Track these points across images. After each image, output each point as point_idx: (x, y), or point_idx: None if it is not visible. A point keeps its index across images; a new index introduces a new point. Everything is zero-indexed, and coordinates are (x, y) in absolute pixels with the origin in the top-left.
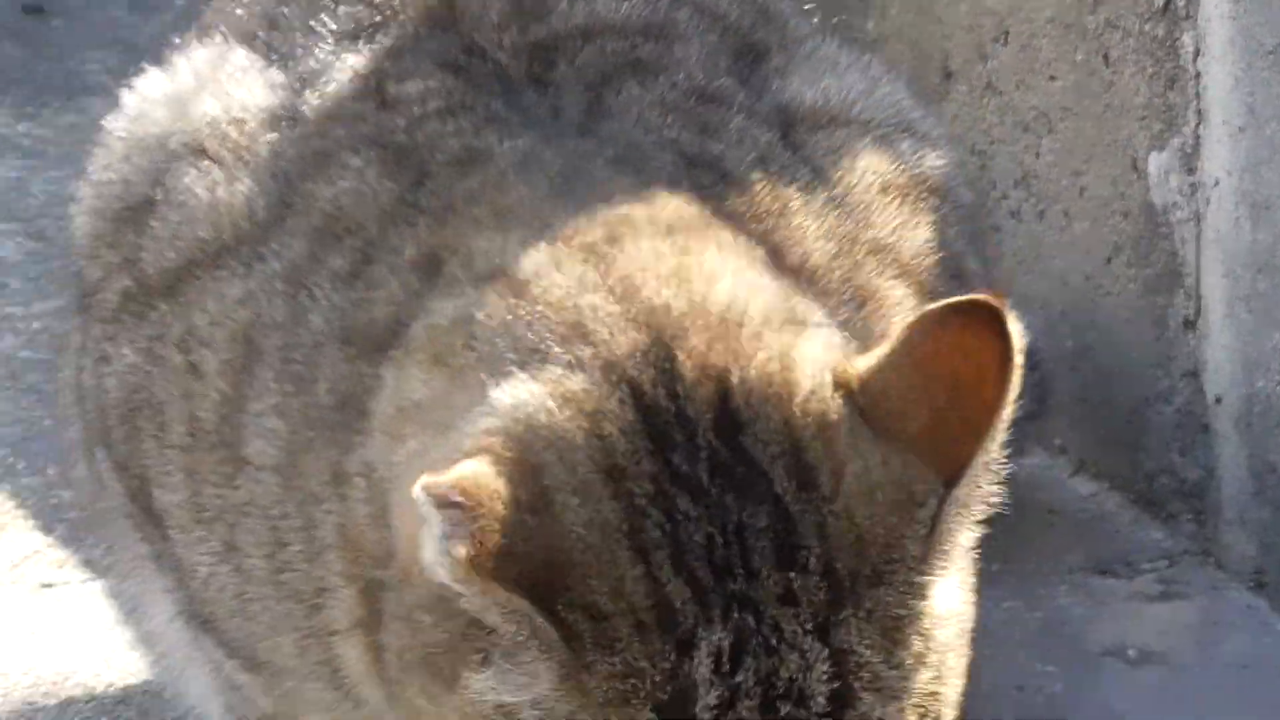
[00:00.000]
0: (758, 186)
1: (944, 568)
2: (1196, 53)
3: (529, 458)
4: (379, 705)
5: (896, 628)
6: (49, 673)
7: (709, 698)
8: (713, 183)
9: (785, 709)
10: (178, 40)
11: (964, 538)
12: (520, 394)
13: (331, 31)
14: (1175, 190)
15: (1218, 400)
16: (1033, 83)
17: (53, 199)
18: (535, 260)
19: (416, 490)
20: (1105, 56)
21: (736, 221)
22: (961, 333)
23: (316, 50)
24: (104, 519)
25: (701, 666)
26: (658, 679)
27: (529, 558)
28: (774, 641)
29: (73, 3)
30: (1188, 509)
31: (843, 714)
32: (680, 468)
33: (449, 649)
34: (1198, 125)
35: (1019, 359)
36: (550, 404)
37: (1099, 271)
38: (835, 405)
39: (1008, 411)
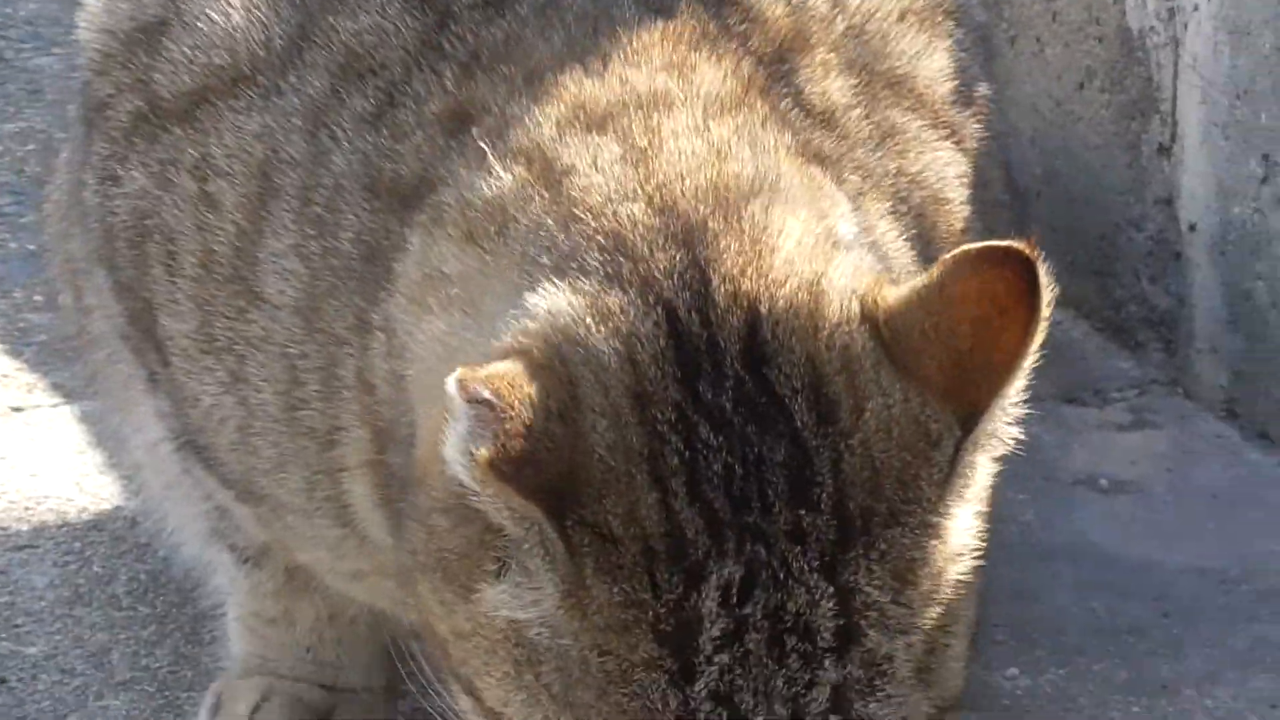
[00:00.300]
0: (782, 22)
1: (960, 507)
2: None
3: (564, 369)
4: (382, 542)
5: (909, 568)
6: (20, 497)
7: (714, 630)
8: (739, 21)
9: (791, 642)
10: None
11: (981, 475)
12: (559, 303)
13: None
14: (1152, 14)
15: (1191, 228)
16: None
17: (7, 21)
18: (572, 149)
19: (450, 383)
20: None
21: (764, 67)
22: (993, 279)
23: None
24: (88, 345)
25: (709, 599)
26: (662, 610)
27: (548, 467)
28: (782, 575)
29: None
30: (1157, 338)
31: (849, 649)
32: (705, 396)
33: (464, 555)
34: None
35: (1046, 311)
36: (589, 319)
37: (1071, 97)
38: (860, 338)
39: (1029, 360)
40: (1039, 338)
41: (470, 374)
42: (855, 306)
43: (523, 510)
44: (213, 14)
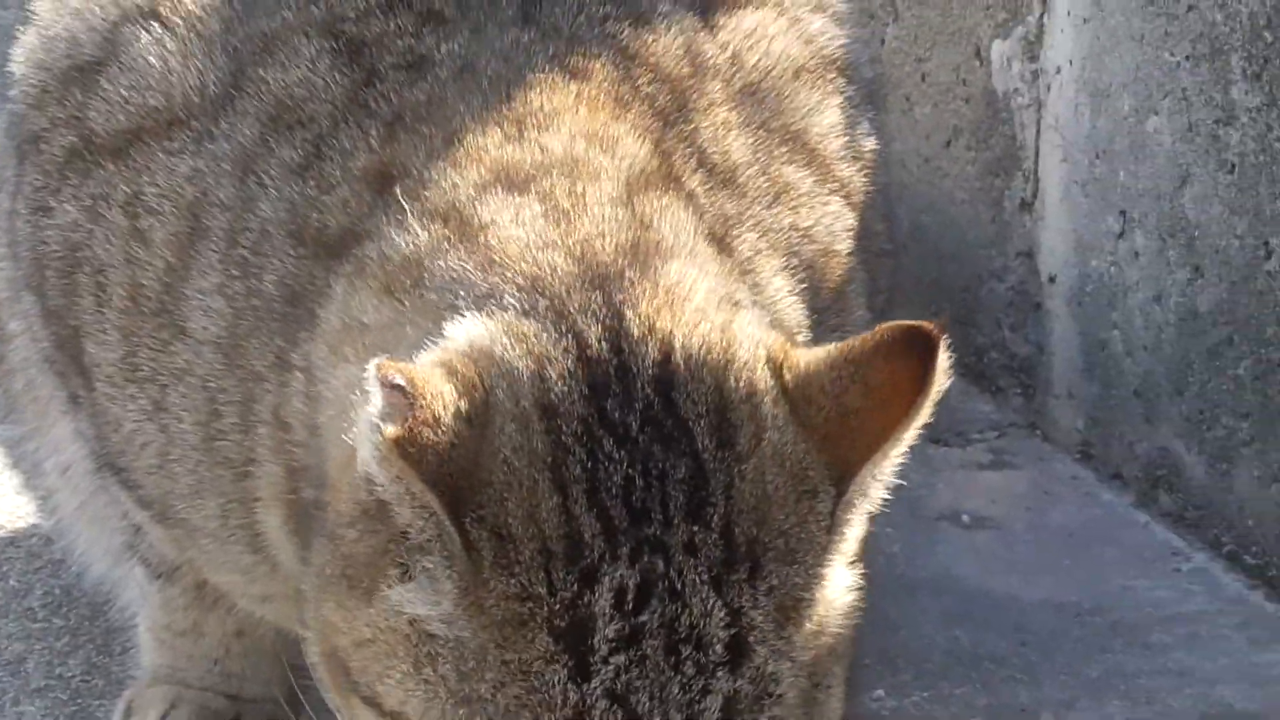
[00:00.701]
0: (687, 83)
1: (839, 559)
2: None
3: (478, 379)
4: (293, 570)
5: (794, 606)
6: None
7: (608, 631)
8: (651, 89)
9: (686, 651)
10: None
11: (857, 531)
12: (476, 328)
13: None
14: (1017, 77)
15: (1051, 279)
16: None
17: None
18: (492, 207)
19: (369, 367)
20: None
21: (669, 126)
22: (892, 350)
23: None
24: (5, 374)
25: (602, 600)
26: (556, 607)
27: (452, 462)
28: (679, 587)
29: None
30: (1017, 383)
31: (739, 664)
32: (612, 415)
33: (369, 563)
34: (1042, 15)
35: (935, 391)
36: (504, 339)
37: (938, 154)
38: (764, 378)
39: (909, 434)
40: (923, 415)
41: (389, 363)
42: (762, 351)
43: (421, 498)
44: (150, 58)
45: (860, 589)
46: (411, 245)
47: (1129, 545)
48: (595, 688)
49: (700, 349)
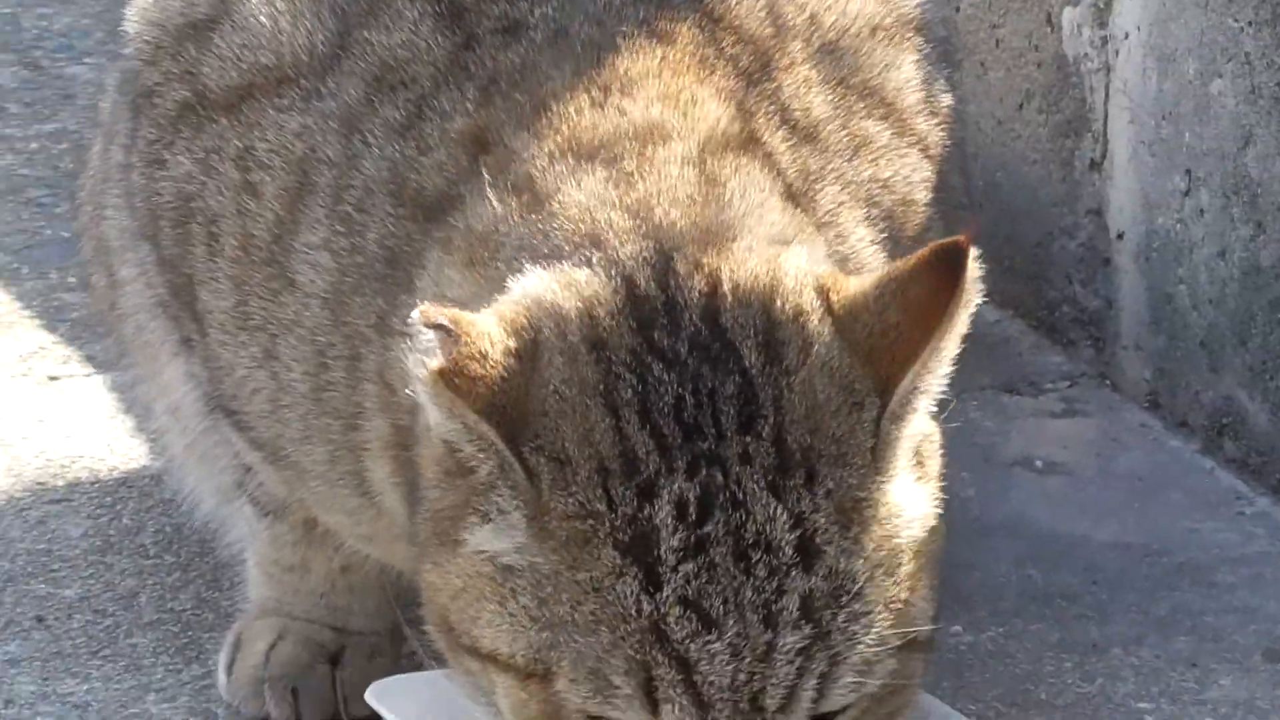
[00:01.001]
0: (769, 43)
1: (897, 470)
2: None
3: (528, 323)
4: (398, 515)
5: (855, 508)
6: (57, 456)
7: (672, 541)
8: (735, 50)
9: (756, 555)
10: None
11: (907, 442)
12: (532, 282)
13: None
14: (1086, 42)
15: (1119, 236)
16: None
17: (43, 33)
18: (559, 176)
19: (414, 313)
20: None
21: (753, 86)
22: (928, 267)
23: None
24: (117, 319)
25: (663, 512)
26: (618, 522)
27: (503, 394)
28: (741, 496)
29: None
30: (1087, 336)
31: (811, 564)
32: (660, 342)
33: (453, 517)
34: None
35: (967, 299)
36: (555, 286)
37: (1011, 117)
38: (810, 300)
39: (946, 343)
40: (960, 325)
41: (434, 306)
42: (809, 278)
43: (477, 429)
44: (262, 17)
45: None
46: (490, 218)
47: (1194, 490)
48: (668, 596)
49: (747, 279)
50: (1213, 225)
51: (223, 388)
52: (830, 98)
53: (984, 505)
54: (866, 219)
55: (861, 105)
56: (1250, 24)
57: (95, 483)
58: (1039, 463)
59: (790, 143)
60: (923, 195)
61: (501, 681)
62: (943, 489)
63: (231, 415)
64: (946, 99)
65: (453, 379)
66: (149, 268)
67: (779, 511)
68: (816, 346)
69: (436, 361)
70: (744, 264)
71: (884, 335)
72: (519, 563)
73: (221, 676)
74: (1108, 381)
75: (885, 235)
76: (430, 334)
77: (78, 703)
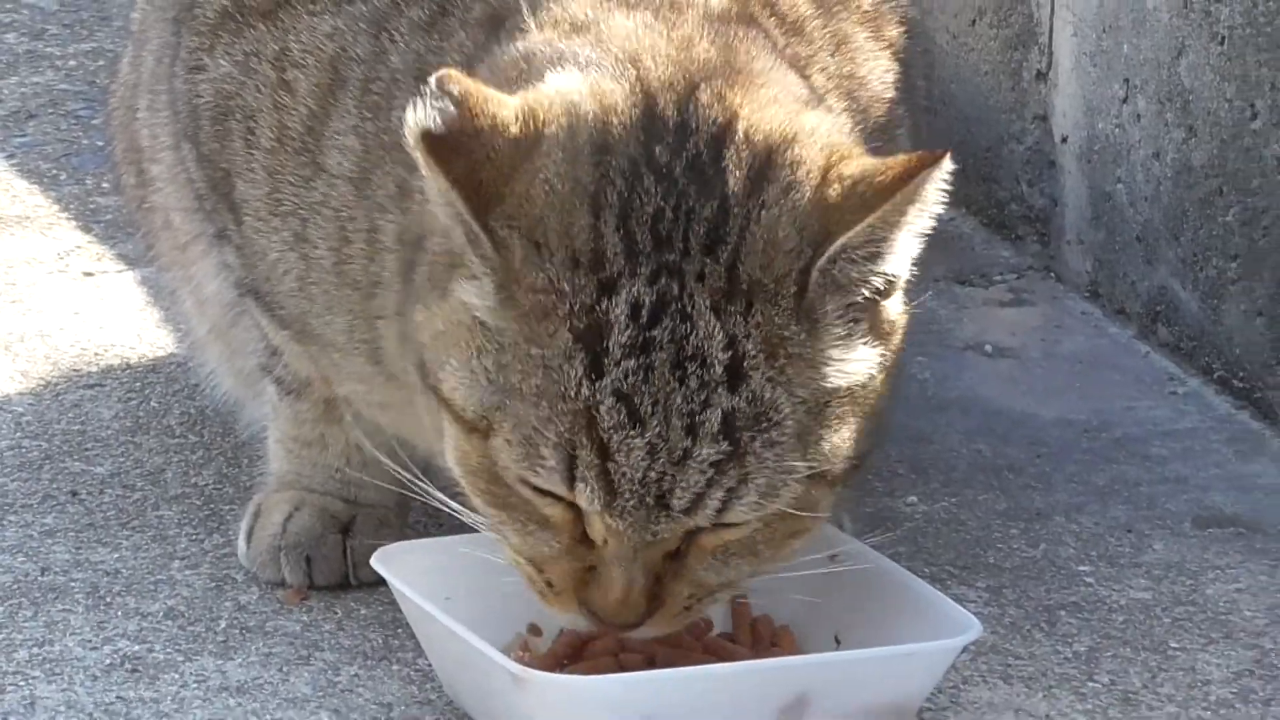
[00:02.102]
0: None
1: (822, 318)
2: None
3: (544, 114)
4: (406, 379)
5: (780, 344)
6: (90, 345)
7: (621, 337)
8: None
9: (692, 368)
10: None
11: (838, 299)
12: (566, 80)
13: None
14: None
15: (1063, 140)
16: None
17: None
18: (606, 13)
19: (434, 76)
20: None
21: None
22: (909, 165)
23: None
24: (146, 214)
25: (619, 309)
26: (576, 307)
27: (483, 170)
28: (689, 310)
29: None
30: (1033, 231)
31: (738, 385)
32: (660, 158)
33: (447, 265)
34: None
35: (922, 197)
36: (584, 89)
37: (965, 31)
38: (813, 157)
39: (891, 227)
40: (908, 215)
41: (456, 74)
42: (822, 140)
43: (448, 197)
44: None
45: (896, 408)
46: (522, 46)
47: (1131, 371)
48: (606, 385)
49: (766, 123)
50: (1148, 129)
51: (256, 272)
52: (815, 5)
53: (938, 385)
54: (847, 109)
55: (840, 8)
56: None
57: (126, 369)
58: (989, 347)
59: (782, 32)
60: (892, 93)
61: (450, 431)
62: (902, 370)
63: (261, 298)
64: (913, 11)
65: (438, 144)
66: (189, 164)
67: (717, 331)
68: (794, 194)
69: (427, 125)
70: (766, 109)
71: (844, 202)
72: (490, 320)
73: (241, 545)
74: (1052, 273)
75: (860, 125)
76: (442, 98)
77: (108, 570)
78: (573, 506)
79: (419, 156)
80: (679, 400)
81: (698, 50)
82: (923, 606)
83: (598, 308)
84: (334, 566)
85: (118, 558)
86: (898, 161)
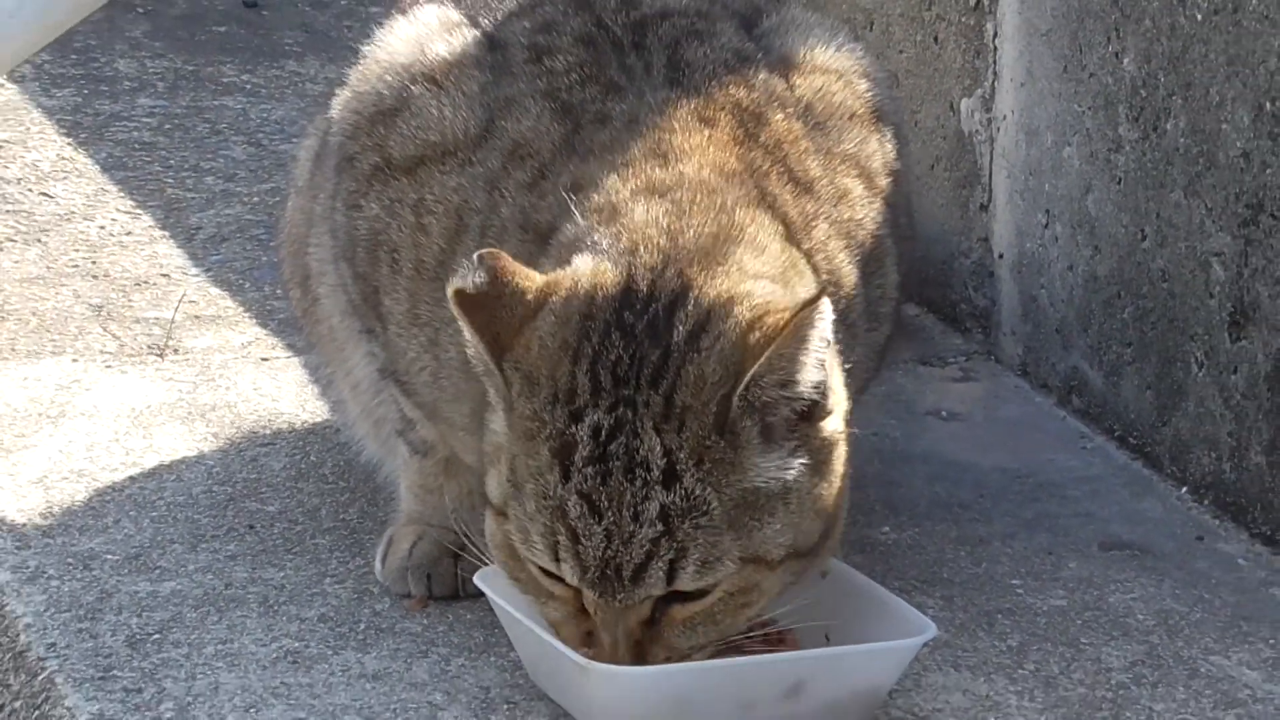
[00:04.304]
0: (779, 124)
1: (741, 434)
2: (995, 34)
3: (554, 290)
4: None
5: (705, 453)
6: (266, 414)
7: (584, 451)
8: (756, 128)
9: (639, 472)
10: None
11: (758, 417)
12: (582, 262)
13: (504, 7)
14: (977, 122)
15: (1000, 256)
16: (888, 55)
17: (265, 121)
18: (636, 203)
19: (481, 251)
20: (935, 38)
21: (769, 154)
22: (796, 310)
23: (495, 15)
24: (312, 321)
25: (583, 431)
26: (553, 431)
27: (499, 322)
28: (638, 430)
29: (276, 0)
30: (978, 325)
31: (672, 484)
32: (626, 320)
33: (483, 404)
34: (994, 81)
35: (804, 333)
36: (586, 270)
37: (926, 175)
38: (744, 314)
39: (785, 359)
40: (796, 348)
41: (496, 251)
42: (752, 301)
43: (473, 340)
44: (431, 109)
45: (871, 460)
46: (575, 229)
47: (1052, 432)
48: (572, 487)
49: (711, 290)
50: (1064, 248)
51: (397, 366)
52: (821, 161)
53: (906, 442)
54: (846, 247)
55: (843, 167)
56: (1089, 109)
57: (292, 431)
58: (944, 413)
59: (795, 194)
60: (884, 231)
61: (487, 516)
62: (875, 434)
63: (402, 384)
64: (898, 164)
65: (467, 301)
66: (346, 279)
67: (657, 445)
68: (722, 340)
69: (460, 283)
70: (716, 281)
71: (755, 344)
72: (504, 442)
73: (377, 565)
74: (992, 356)
75: (858, 257)
76: (479, 269)
77: (276, 585)
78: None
79: (454, 308)
80: (628, 497)
81: (684, 239)
82: (892, 612)
83: (568, 431)
84: (447, 582)
85: (283, 575)
86: (793, 307)
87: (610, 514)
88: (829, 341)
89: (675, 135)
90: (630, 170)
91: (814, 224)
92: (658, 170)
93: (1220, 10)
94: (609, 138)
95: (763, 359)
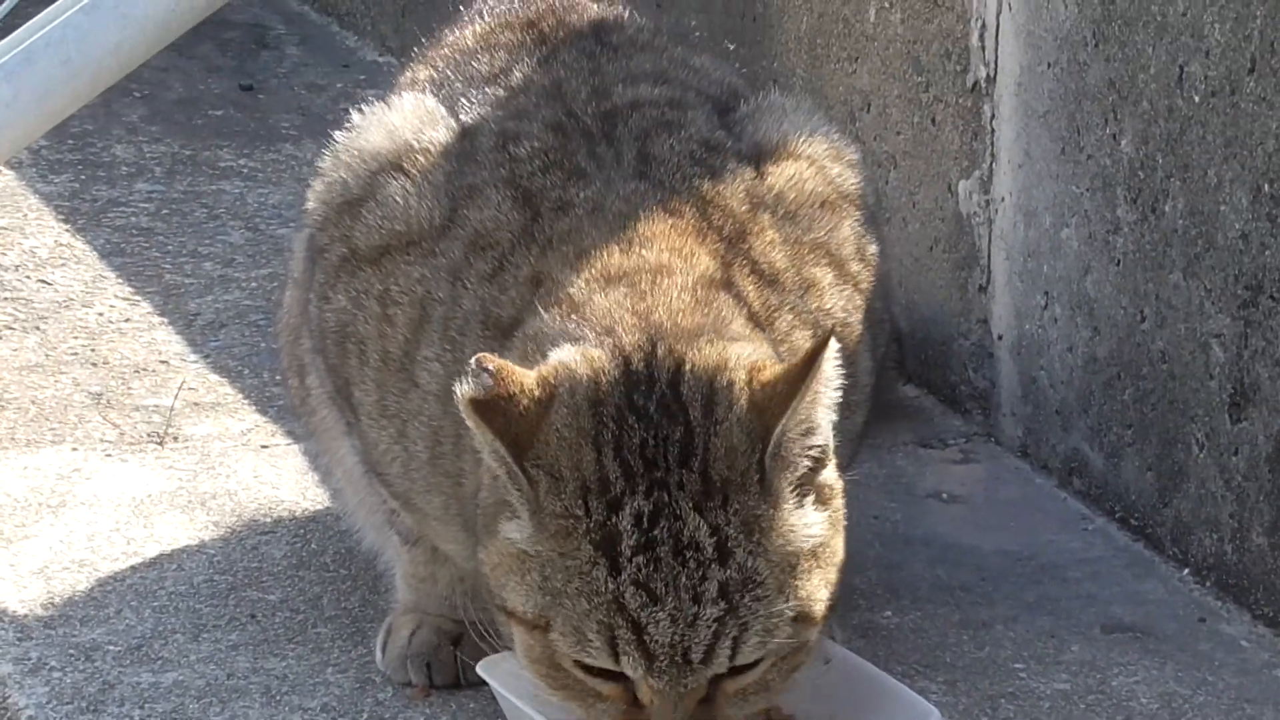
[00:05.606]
0: (746, 215)
1: (787, 494)
2: (993, 116)
3: (554, 380)
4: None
5: (755, 521)
6: (267, 501)
7: (630, 540)
8: (721, 221)
9: (689, 554)
10: (352, 105)
11: (791, 474)
12: (564, 353)
13: (482, 97)
14: (975, 204)
15: (999, 337)
16: (886, 136)
17: (262, 206)
18: (593, 293)
19: (474, 358)
20: (933, 120)
21: (732, 246)
22: (805, 359)
23: (473, 105)
24: (308, 411)
25: (624, 520)
26: (592, 525)
27: (517, 424)
28: (678, 511)
29: (272, 83)
30: (978, 406)
31: (727, 560)
32: (637, 402)
33: (493, 514)
34: (991, 163)
35: (813, 379)
36: (578, 357)
37: (925, 256)
38: (740, 376)
39: (806, 408)
40: (809, 397)
41: (488, 355)
42: (744, 362)
43: (494, 445)
44: (396, 197)
45: (871, 543)
46: (538, 325)
47: (1053, 513)
48: (626, 579)
49: (702, 360)
50: (1063, 330)
51: (371, 457)
52: (789, 252)
53: (907, 525)
54: (812, 337)
55: (811, 256)
56: (1088, 190)
57: (293, 519)
58: (945, 495)
59: (758, 285)
60: (855, 318)
61: (518, 631)
62: (876, 516)
63: (380, 475)
64: (873, 249)
65: (481, 407)
66: (321, 373)
67: (702, 524)
68: (735, 407)
69: (470, 391)
70: (702, 352)
71: (772, 401)
72: (529, 548)
73: (378, 654)
74: (992, 438)
75: None
76: (482, 374)
77: (278, 675)
78: (619, 678)
79: (469, 418)
80: (684, 580)
81: (655, 317)
82: (895, 697)
83: (608, 522)
84: (448, 670)
85: (285, 665)
86: (801, 356)
87: (671, 599)
88: (836, 384)
89: (639, 224)
90: (590, 257)
91: (777, 315)
92: (619, 257)
93: (1217, 92)
94: (569, 226)
95: (788, 413)
